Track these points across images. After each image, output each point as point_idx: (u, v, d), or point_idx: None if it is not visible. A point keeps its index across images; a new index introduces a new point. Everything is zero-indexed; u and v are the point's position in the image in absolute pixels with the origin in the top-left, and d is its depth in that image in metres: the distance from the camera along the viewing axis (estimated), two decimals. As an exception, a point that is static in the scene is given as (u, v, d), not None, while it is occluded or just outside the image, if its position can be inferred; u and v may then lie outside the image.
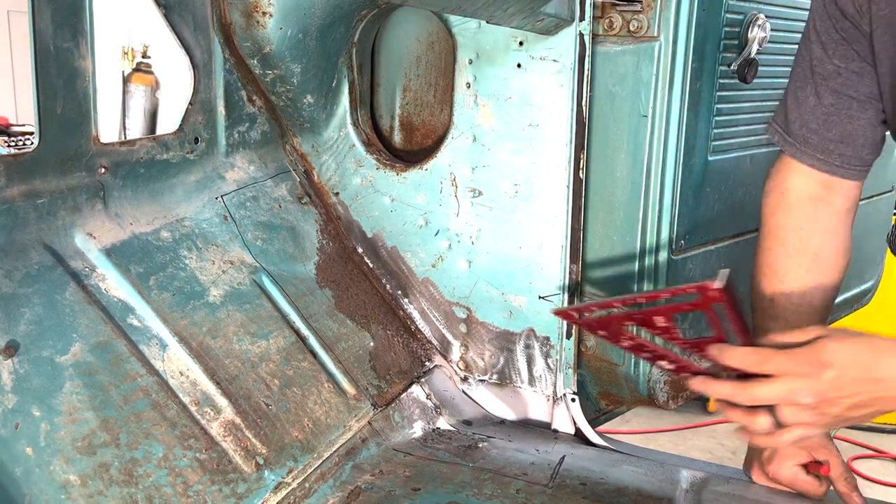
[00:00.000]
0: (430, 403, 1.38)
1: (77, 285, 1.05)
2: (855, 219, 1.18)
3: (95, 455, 0.96)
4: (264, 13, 1.23)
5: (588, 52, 1.24)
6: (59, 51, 1.01)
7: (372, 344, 1.38)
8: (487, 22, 1.16)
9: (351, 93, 1.44)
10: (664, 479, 1.22)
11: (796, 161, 1.13)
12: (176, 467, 1.02)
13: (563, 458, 1.25)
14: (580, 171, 1.28)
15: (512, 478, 1.18)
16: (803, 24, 1.56)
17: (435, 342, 1.47)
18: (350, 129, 1.45)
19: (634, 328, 1.05)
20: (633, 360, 1.35)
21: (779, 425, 0.94)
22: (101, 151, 1.10)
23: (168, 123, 4.89)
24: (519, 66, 1.29)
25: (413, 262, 1.46)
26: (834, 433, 1.09)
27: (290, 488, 1.10)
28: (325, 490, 1.13)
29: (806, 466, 1.13)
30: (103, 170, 1.11)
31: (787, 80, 1.46)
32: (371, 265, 1.48)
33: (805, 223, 1.14)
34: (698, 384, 1.00)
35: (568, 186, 1.29)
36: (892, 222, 1.25)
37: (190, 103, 1.25)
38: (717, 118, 1.36)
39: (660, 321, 1.01)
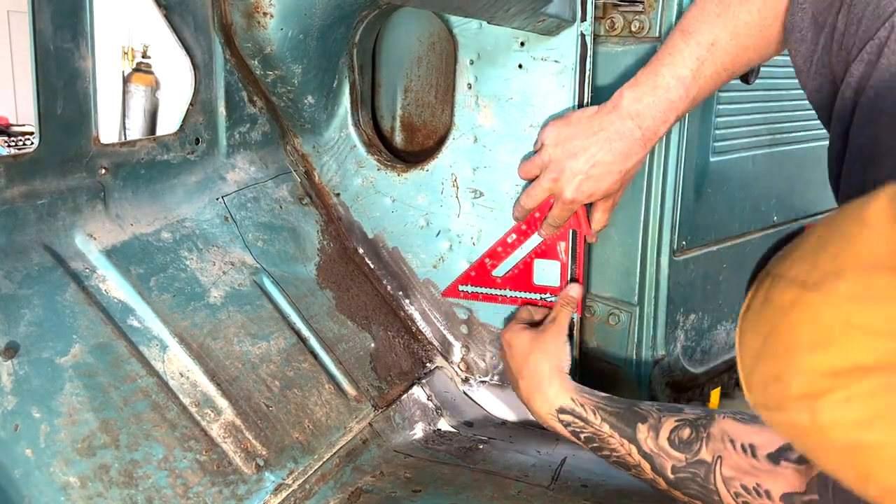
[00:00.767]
0: (430, 405, 1.38)
1: (77, 286, 1.05)
2: None
3: (95, 456, 0.96)
4: (265, 14, 1.23)
5: (589, 53, 1.23)
6: (59, 51, 1.00)
7: (373, 345, 1.37)
8: (488, 22, 1.15)
9: (352, 93, 1.43)
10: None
11: None
12: (176, 469, 1.01)
13: (565, 459, 1.25)
14: (581, 172, 1.28)
15: (513, 479, 1.18)
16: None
17: (436, 343, 1.47)
18: (351, 129, 1.45)
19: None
20: (634, 362, 1.35)
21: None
22: (102, 152, 1.10)
23: (168, 123, 4.89)
24: (520, 66, 1.29)
25: (414, 263, 1.46)
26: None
27: (290, 490, 1.10)
28: (325, 491, 1.13)
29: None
30: (104, 170, 1.11)
31: (788, 80, 1.47)
32: (372, 266, 1.48)
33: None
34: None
35: (569, 187, 1.29)
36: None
37: (190, 104, 1.24)
38: (718, 119, 1.36)
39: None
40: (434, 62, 1.47)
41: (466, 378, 1.46)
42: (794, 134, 1.57)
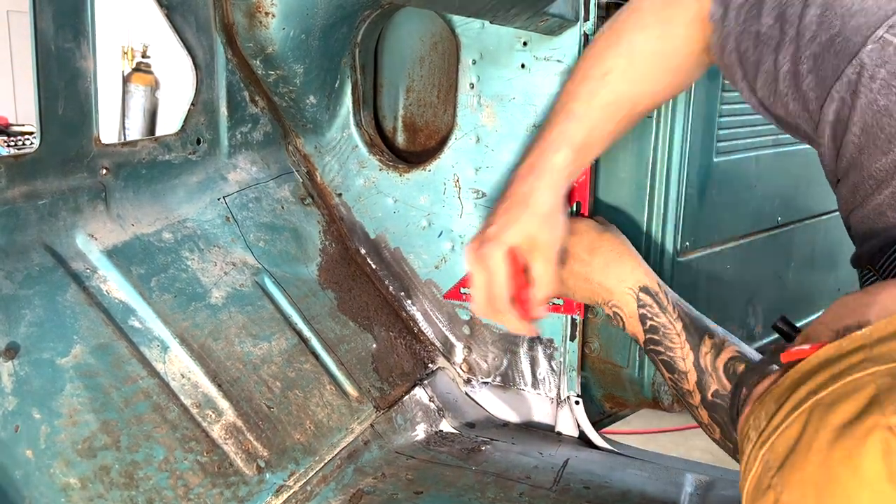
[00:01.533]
0: (432, 406, 1.37)
1: (78, 287, 1.05)
2: None
3: (96, 458, 0.96)
4: (267, 13, 1.23)
5: (592, 53, 1.23)
6: (60, 51, 1.00)
7: (374, 346, 1.37)
8: (491, 22, 1.15)
9: (354, 93, 1.43)
10: (669, 482, 1.21)
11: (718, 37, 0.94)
12: (177, 470, 1.01)
13: (567, 461, 1.24)
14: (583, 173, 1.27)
15: (515, 481, 1.18)
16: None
17: (438, 344, 1.46)
18: (353, 129, 1.44)
19: None
20: (637, 363, 1.35)
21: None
22: (103, 152, 1.09)
23: (168, 123, 4.89)
24: (523, 66, 1.28)
25: (416, 264, 1.45)
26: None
27: (291, 491, 1.09)
28: (326, 493, 1.12)
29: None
30: (105, 171, 1.11)
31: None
32: (374, 266, 1.47)
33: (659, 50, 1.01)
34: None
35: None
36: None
37: (192, 104, 1.24)
38: (722, 119, 1.36)
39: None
40: (436, 62, 1.46)
41: (468, 379, 1.45)
42: (796, 134, 1.56)
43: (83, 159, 1.07)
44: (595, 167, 1.29)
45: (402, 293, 1.47)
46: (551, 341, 1.37)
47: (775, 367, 0.58)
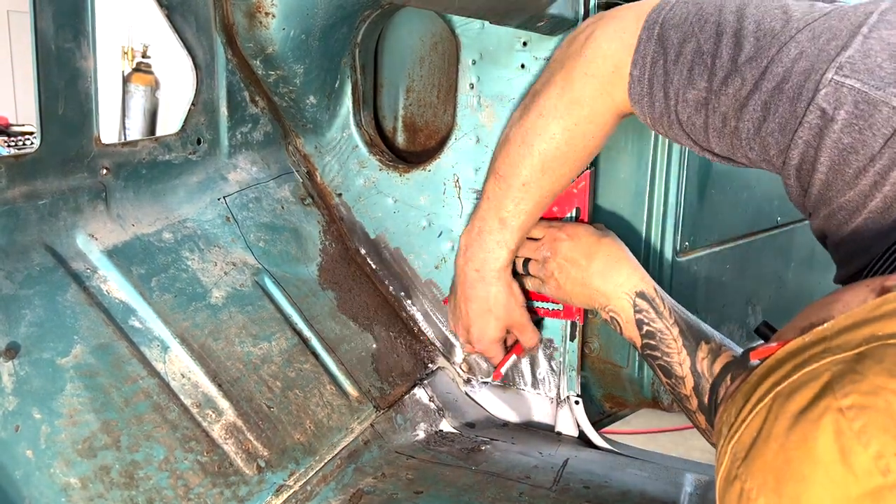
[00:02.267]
0: (432, 406, 1.37)
1: (78, 287, 1.05)
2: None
3: (96, 458, 0.96)
4: (267, 14, 1.23)
5: (592, 53, 1.23)
6: (60, 51, 1.00)
7: (374, 346, 1.37)
8: (491, 22, 1.15)
9: (354, 94, 1.43)
10: (668, 482, 1.21)
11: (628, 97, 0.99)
12: (177, 470, 1.01)
13: (567, 461, 1.24)
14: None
15: (515, 481, 1.18)
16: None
17: (438, 344, 1.46)
18: (353, 129, 1.45)
19: None
20: (637, 363, 1.35)
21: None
22: (103, 152, 1.09)
23: (168, 123, 4.89)
24: (523, 66, 1.28)
25: (416, 264, 1.45)
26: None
27: (291, 491, 1.09)
28: (326, 493, 1.13)
29: (506, 342, 1.34)
30: (105, 171, 1.11)
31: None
32: (374, 267, 1.47)
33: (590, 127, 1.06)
34: None
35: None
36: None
37: (192, 104, 1.24)
38: (721, 119, 1.36)
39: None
40: (436, 62, 1.46)
41: (468, 379, 1.45)
42: (796, 135, 1.56)
43: (83, 159, 1.07)
44: (595, 167, 1.29)
45: (402, 293, 1.47)
46: (551, 341, 1.37)
47: (749, 365, 0.60)
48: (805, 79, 0.79)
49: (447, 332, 1.46)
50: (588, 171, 1.26)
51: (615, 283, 1.15)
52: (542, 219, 1.24)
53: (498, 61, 1.31)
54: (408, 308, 1.47)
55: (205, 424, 1.07)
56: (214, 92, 1.27)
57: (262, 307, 1.25)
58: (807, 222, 0.94)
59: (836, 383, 0.49)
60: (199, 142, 1.26)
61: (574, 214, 1.28)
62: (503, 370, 1.35)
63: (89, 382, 1.00)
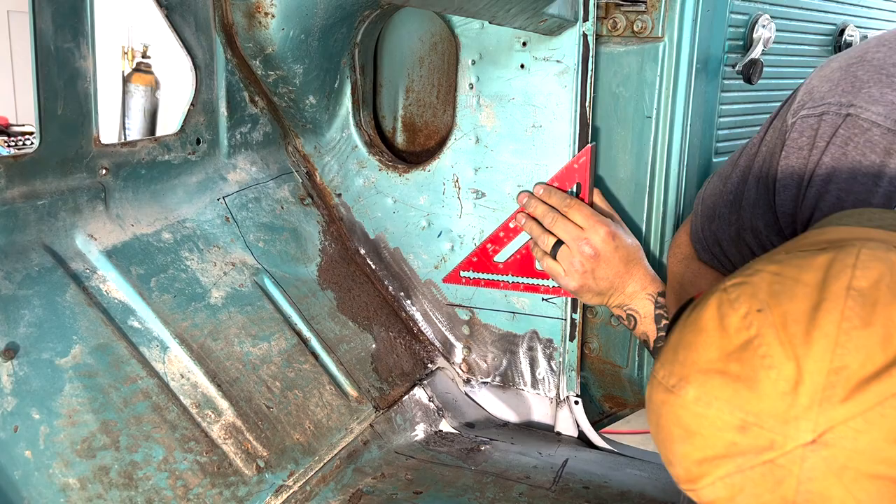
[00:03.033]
0: (432, 406, 1.37)
1: (77, 287, 1.05)
2: None
3: (95, 458, 0.96)
4: (266, 14, 1.23)
5: (592, 53, 1.23)
6: (59, 51, 1.00)
7: (374, 346, 1.37)
8: (490, 22, 1.15)
9: (353, 94, 1.43)
10: (668, 482, 1.21)
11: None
12: (176, 470, 1.01)
13: (567, 461, 1.24)
14: (584, 173, 1.27)
15: (514, 481, 1.18)
16: (809, 24, 1.57)
17: (437, 344, 1.46)
18: (352, 130, 1.44)
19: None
20: (636, 363, 1.35)
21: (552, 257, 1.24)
22: (102, 152, 1.09)
23: (168, 124, 4.89)
24: (522, 66, 1.28)
25: (416, 264, 1.45)
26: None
27: (290, 491, 1.09)
28: (326, 493, 1.12)
29: None
30: (104, 171, 1.10)
31: (791, 81, 1.45)
32: (373, 267, 1.47)
33: None
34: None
35: (571, 188, 1.28)
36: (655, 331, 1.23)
37: (191, 104, 1.24)
38: (721, 119, 1.36)
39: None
40: (436, 62, 1.46)
41: (468, 379, 1.45)
42: (796, 134, 1.56)
43: (83, 159, 1.07)
44: (596, 142, 1.29)
45: (402, 293, 1.47)
46: (550, 341, 1.37)
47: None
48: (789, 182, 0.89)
49: (446, 333, 1.46)
50: (590, 145, 1.25)
51: (641, 284, 1.21)
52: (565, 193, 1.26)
53: (497, 61, 1.30)
54: (407, 308, 1.46)
55: (204, 425, 1.07)
56: (214, 92, 1.27)
57: (262, 307, 1.25)
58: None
59: (728, 278, 0.60)
60: (198, 142, 1.26)
61: (575, 190, 1.27)
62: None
63: (88, 383, 1.00)
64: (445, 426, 1.36)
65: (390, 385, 1.35)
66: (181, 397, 1.07)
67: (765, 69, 1.35)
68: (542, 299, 1.35)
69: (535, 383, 1.40)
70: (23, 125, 5.42)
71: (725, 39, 1.30)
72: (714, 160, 1.36)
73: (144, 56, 4.98)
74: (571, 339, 1.34)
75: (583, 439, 1.36)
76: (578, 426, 1.36)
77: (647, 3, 1.22)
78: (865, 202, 0.80)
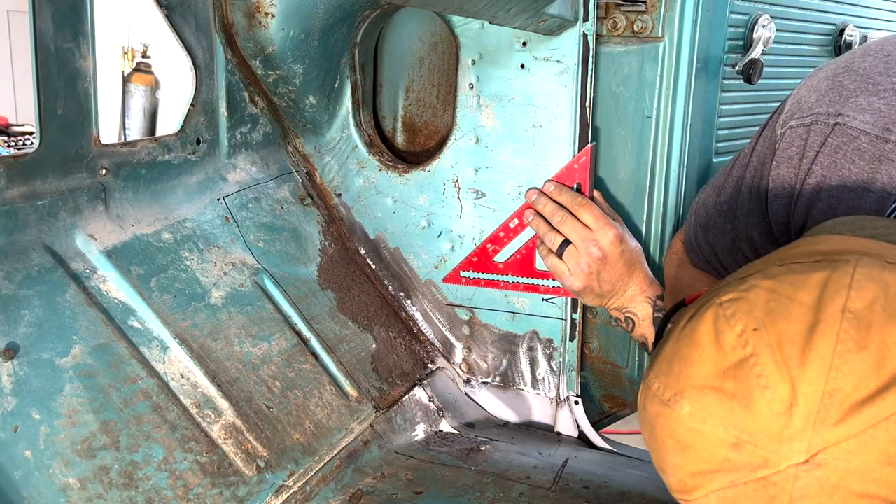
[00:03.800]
0: (432, 406, 1.37)
1: (78, 287, 1.05)
2: None
3: (95, 458, 0.96)
4: (266, 14, 1.23)
5: (592, 53, 1.23)
6: (59, 51, 1.00)
7: (374, 346, 1.37)
8: (490, 22, 1.15)
9: (353, 94, 1.43)
10: (668, 482, 1.21)
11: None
12: (176, 470, 1.01)
13: (567, 461, 1.24)
14: (584, 173, 1.27)
15: (515, 481, 1.18)
16: (809, 24, 1.57)
17: (437, 344, 1.46)
18: (353, 130, 1.44)
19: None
20: (637, 363, 1.35)
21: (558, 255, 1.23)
22: (102, 152, 1.09)
23: (168, 123, 4.89)
24: (522, 66, 1.28)
25: (416, 264, 1.45)
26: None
27: (291, 491, 1.09)
28: (326, 493, 1.12)
29: None
30: (104, 171, 1.10)
31: (791, 81, 1.46)
32: (373, 267, 1.47)
33: None
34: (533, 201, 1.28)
35: (571, 188, 1.28)
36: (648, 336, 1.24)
37: (191, 104, 1.24)
38: (721, 119, 1.36)
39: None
40: (436, 62, 1.46)
41: (468, 379, 1.45)
42: (796, 134, 1.56)
43: (83, 159, 1.07)
44: (596, 142, 1.29)
45: (402, 293, 1.47)
46: (551, 341, 1.37)
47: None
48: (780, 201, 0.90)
49: (446, 333, 1.46)
50: (590, 145, 1.25)
51: (641, 287, 1.22)
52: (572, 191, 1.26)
53: (497, 61, 1.30)
54: (407, 308, 1.46)
55: (204, 425, 1.07)
56: (214, 92, 1.27)
57: (262, 307, 1.25)
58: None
59: (723, 289, 0.60)
60: (198, 142, 1.26)
61: (575, 188, 1.27)
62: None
63: (88, 383, 1.00)
64: (445, 426, 1.36)
65: (390, 385, 1.35)
66: (181, 397, 1.07)
67: (765, 69, 1.35)
68: (543, 299, 1.35)
69: (535, 383, 1.40)
70: (23, 125, 5.43)
71: (725, 39, 1.30)
72: (714, 160, 1.36)
73: (144, 56, 4.98)
74: (572, 340, 1.34)
75: (583, 439, 1.36)
76: (578, 426, 1.36)
77: (647, 3, 1.22)
78: (857, 209, 0.81)
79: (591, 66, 1.24)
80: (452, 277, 1.41)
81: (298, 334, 1.27)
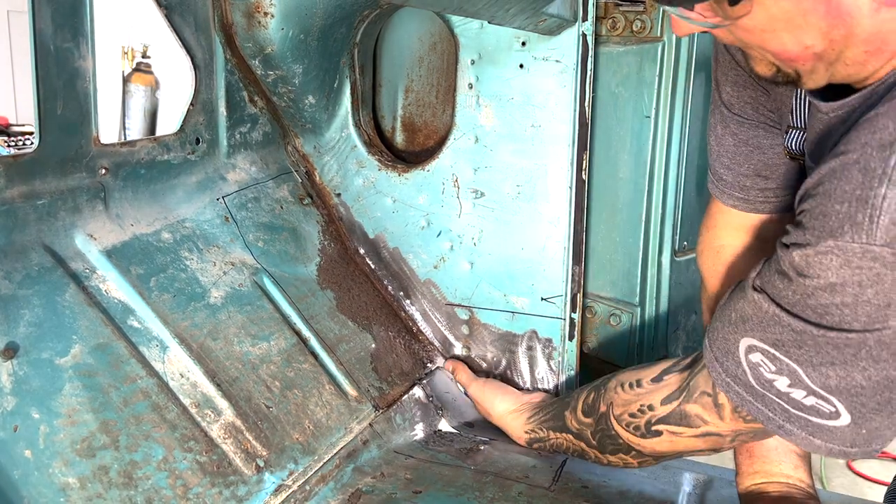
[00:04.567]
0: (431, 405, 1.38)
1: (77, 287, 1.05)
2: None
3: (95, 457, 0.96)
4: (266, 14, 1.23)
5: (591, 53, 1.23)
6: (59, 51, 1.00)
7: (373, 345, 1.37)
8: (489, 22, 1.15)
9: (353, 93, 1.43)
10: (667, 481, 1.21)
11: (721, 203, 1.08)
12: (176, 470, 1.01)
13: (565, 460, 1.25)
14: (583, 172, 1.28)
15: (514, 481, 1.18)
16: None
17: (437, 343, 1.46)
18: (352, 129, 1.45)
19: None
20: (635, 363, 1.35)
21: None
22: (102, 152, 1.09)
23: (168, 123, 4.88)
24: (521, 66, 1.28)
25: (415, 264, 1.45)
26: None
27: (290, 491, 1.09)
28: (325, 493, 1.13)
29: None
30: (104, 171, 1.11)
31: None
32: (373, 266, 1.47)
33: None
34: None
35: (570, 187, 1.28)
36: None
37: (191, 104, 1.24)
38: (720, 119, 1.36)
39: None
40: (435, 62, 1.46)
41: (467, 379, 1.45)
42: (795, 134, 1.56)
43: (82, 159, 1.07)
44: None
45: (401, 293, 1.47)
46: (549, 341, 1.37)
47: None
48: None
49: (446, 332, 1.46)
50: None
51: (517, 436, 1.26)
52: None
53: (497, 61, 1.31)
54: (406, 308, 1.47)
55: (203, 424, 1.07)
56: (213, 92, 1.27)
57: (261, 307, 1.25)
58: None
59: None
60: (197, 142, 1.26)
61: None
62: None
63: (88, 382, 1.00)
64: (445, 425, 1.36)
65: (390, 384, 1.35)
66: (181, 397, 1.07)
67: (764, 69, 1.35)
68: (542, 299, 1.35)
69: (534, 382, 1.40)
70: (23, 125, 5.42)
71: (724, 39, 1.30)
72: (713, 160, 1.36)
73: (144, 56, 4.97)
74: (570, 339, 1.34)
75: (582, 439, 1.36)
76: (578, 425, 1.36)
77: (645, 4, 1.23)
78: None
79: (590, 65, 1.24)
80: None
81: (298, 334, 1.27)
